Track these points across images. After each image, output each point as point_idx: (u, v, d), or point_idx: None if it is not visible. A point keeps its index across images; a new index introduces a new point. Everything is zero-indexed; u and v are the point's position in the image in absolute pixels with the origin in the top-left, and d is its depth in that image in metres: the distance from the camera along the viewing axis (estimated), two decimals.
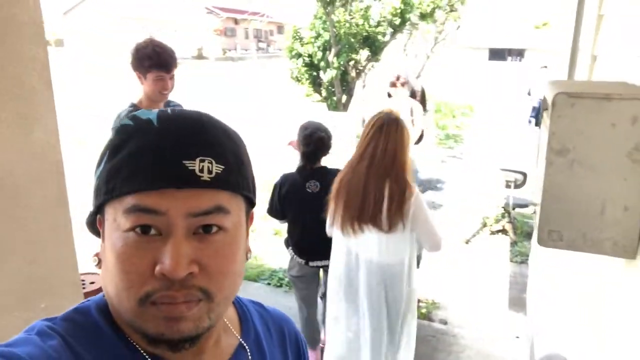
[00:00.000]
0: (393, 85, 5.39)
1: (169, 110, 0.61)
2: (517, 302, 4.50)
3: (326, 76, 8.06)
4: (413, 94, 6.05)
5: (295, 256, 2.82)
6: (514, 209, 6.01)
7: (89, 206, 0.66)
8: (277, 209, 2.80)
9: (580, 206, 1.18)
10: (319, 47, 7.98)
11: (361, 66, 8.82)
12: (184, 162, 0.55)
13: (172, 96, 2.58)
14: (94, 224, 0.66)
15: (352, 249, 2.27)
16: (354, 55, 8.42)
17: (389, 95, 5.39)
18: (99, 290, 2.39)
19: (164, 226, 0.56)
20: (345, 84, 8.48)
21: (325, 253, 2.83)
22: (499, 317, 4.24)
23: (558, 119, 1.15)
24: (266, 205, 2.83)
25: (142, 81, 2.36)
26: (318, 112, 8.80)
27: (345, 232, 2.21)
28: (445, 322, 4.12)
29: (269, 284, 4.38)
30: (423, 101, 6.13)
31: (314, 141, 2.67)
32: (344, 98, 8.50)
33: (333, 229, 2.33)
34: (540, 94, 12.82)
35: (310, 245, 2.80)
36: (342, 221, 2.19)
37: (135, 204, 0.55)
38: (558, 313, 2.50)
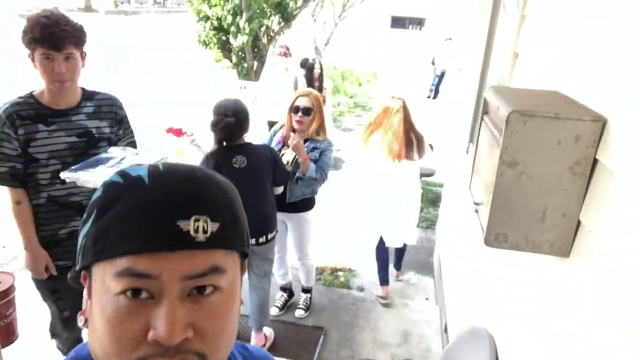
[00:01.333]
0: (283, 55, 5.70)
1: (160, 165, 0.58)
2: (424, 265, 4.87)
3: (237, 42, 7.76)
4: (311, 69, 6.42)
5: None
6: (420, 177, 6.38)
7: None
8: None
9: (525, 212, 1.30)
10: (228, 11, 7.62)
11: (273, 32, 8.62)
12: (178, 222, 0.53)
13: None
14: (78, 278, 0.63)
15: None
16: (265, 21, 8.20)
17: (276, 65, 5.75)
18: (7, 291, 2.17)
19: (157, 289, 0.54)
20: (257, 50, 8.26)
21: (256, 230, 2.83)
22: (410, 280, 4.57)
23: (511, 134, 1.23)
24: None
25: (34, 64, 1.99)
26: (231, 82, 8.53)
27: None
28: (362, 289, 4.35)
29: None
30: (321, 79, 6.53)
31: (219, 129, 2.66)
32: (255, 65, 8.29)
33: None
34: (443, 65, 13.52)
35: None
36: None
37: (126, 267, 0.53)
38: (462, 282, 2.75)
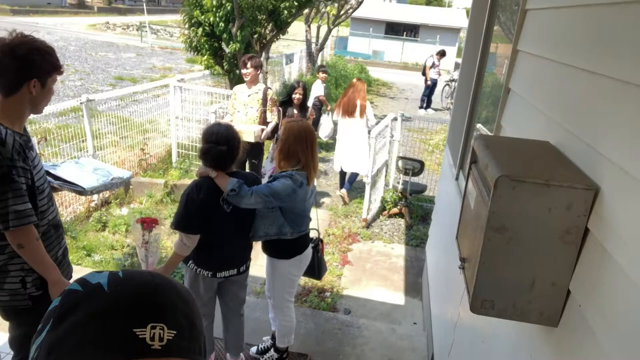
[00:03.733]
0: (244, 65, 5.01)
1: (120, 273, 0.59)
2: (413, 287, 4.81)
3: (229, 49, 7.66)
4: (290, 94, 5.65)
5: (200, 270, 2.68)
6: (410, 194, 6.34)
7: None
8: (194, 220, 2.51)
9: (513, 280, 1.23)
10: (221, 18, 7.51)
11: (265, 40, 8.53)
12: (135, 330, 0.53)
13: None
14: None
15: None
16: (258, 29, 8.11)
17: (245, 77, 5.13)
18: None
19: None
20: None
21: (240, 260, 2.77)
22: (398, 302, 4.50)
23: (499, 199, 1.17)
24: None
25: (33, 90, 1.92)
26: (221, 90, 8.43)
27: None
28: (349, 312, 4.28)
29: None
30: (303, 105, 5.81)
31: (210, 158, 2.52)
32: None
33: None
34: (434, 76, 13.50)
35: (224, 256, 2.69)
36: None
37: None
38: (448, 318, 2.68)
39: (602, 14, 1.30)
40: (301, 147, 2.71)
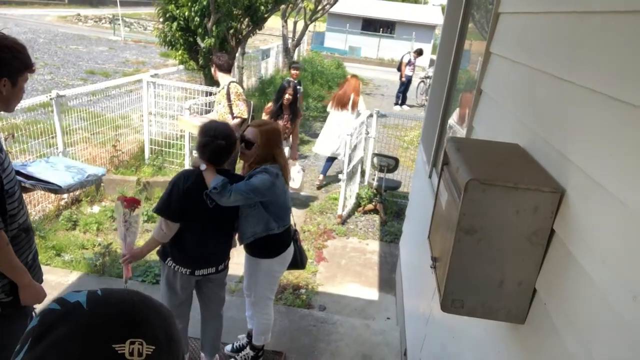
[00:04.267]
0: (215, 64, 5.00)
1: (98, 291, 0.61)
2: (387, 282, 4.87)
3: (204, 44, 7.57)
4: (282, 92, 5.46)
5: (178, 267, 2.66)
6: (385, 190, 6.40)
7: None
8: (176, 207, 2.52)
9: (482, 279, 1.26)
10: (196, 12, 7.41)
11: (241, 35, 8.46)
12: (114, 345, 0.54)
13: None
14: None
15: None
16: (234, 24, 8.02)
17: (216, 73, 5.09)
18: None
19: None
20: (225, 52, 8.08)
21: (219, 259, 2.75)
22: (372, 298, 4.55)
23: (469, 201, 1.19)
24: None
25: (3, 89, 1.86)
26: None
27: None
28: (324, 308, 4.30)
29: (143, 281, 4.12)
30: (292, 108, 5.61)
31: (209, 151, 2.54)
32: None
33: None
34: (408, 72, 13.61)
35: (203, 253, 2.67)
36: None
37: None
38: (420, 313, 2.73)
39: (564, 21, 1.34)
40: (278, 150, 2.82)
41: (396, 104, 14.02)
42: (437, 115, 3.31)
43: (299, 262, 3.16)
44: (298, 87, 6.10)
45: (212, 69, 5.10)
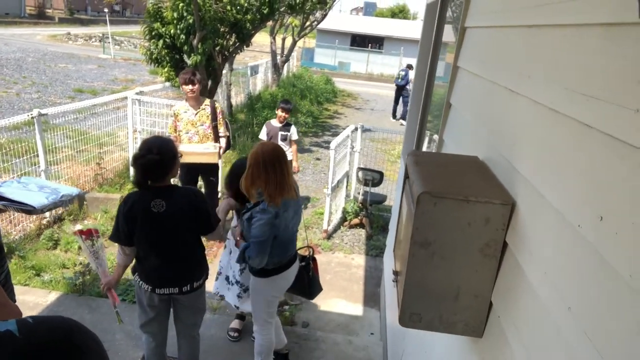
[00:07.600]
0: (185, 83, 4.56)
1: (29, 319, 0.59)
2: (372, 297, 4.83)
3: (190, 61, 7.60)
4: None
5: (142, 283, 2.62)
6: (371, 204, 6.40)
7: None
8: (123, 232, 2.50)
9: (438, 293, 1.26)
10: (182, 30, 7.46)
11: (228, 52, 8.51)
12: None
13: None
14: None
15: None
16: (220, 41, 8.07)
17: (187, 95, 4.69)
18: None
19: None
20: (212, 69, 8.11)
21: (178, 277, 2.64)
22: (356, 313, 4.51)
23: (422, 215, 1.20)
24: None
25: None
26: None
27: None
28: (307, 325, 4.26)
29: (123, 299, 4.05)
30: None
31: (138, 165, 2.48)
32: (210, 84, 8.14)
33: None
34: (400, 86, 13.73)
35: (158, 273, 2.61)
36: None
37: None
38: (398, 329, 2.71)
39: (516, 35, 1.36)
40: (263, 172, 2.56)
41: (394, 117, 14.08)
42: (414, 128, 3.33)
43: (307, 292, 3.06)
44: (287, 132, 5.69)
45: (197, 87, 4.75)
